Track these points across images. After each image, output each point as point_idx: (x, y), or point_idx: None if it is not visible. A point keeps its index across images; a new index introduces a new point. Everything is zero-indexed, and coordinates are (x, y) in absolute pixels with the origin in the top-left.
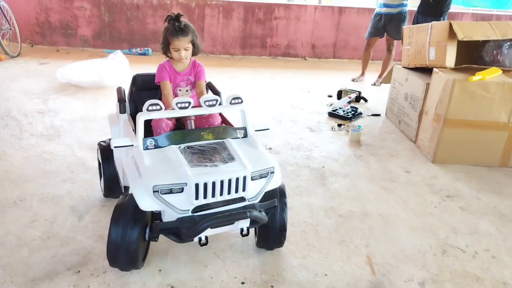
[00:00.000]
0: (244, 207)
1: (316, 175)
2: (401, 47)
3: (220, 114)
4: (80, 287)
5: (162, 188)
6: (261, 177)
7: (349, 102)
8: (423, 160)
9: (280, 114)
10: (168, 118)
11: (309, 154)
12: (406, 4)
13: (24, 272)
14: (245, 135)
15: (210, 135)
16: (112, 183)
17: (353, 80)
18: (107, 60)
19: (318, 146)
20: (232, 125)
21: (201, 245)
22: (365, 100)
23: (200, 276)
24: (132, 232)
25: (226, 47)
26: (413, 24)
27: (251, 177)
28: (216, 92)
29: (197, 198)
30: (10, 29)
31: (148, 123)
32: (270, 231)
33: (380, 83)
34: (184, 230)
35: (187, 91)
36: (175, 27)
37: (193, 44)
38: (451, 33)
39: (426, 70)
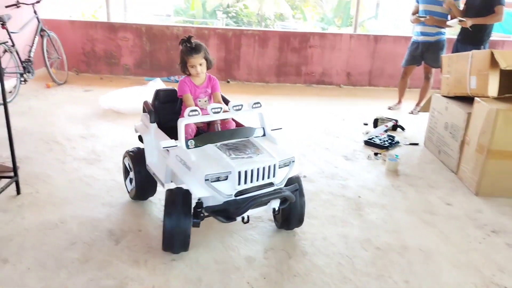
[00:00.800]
0: (274, 190)
1: (351, 205)
2: (440, 75)
3: (234, 120)
4: None
5: (212, 177)
6: (285, 165)
7: (386, 131)
8: (465, 192)
9: (314, 142)
10: (198, 125)
11: (345, 183)
12: (444, 33)
13: None
14: (264, 134)
15: (236, 135)
16: (143, 187)
17: (389, 108)
18: (146, 87)
19: (353, 175)
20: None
21: (244, 223)
22: (403, 129)
23: None
24: (184, 220)
25: (261, 75)
26: (452, 52)
27: (278, 165)
28: (226, 101)
29: (239, 183)
30: (58, 58)
31: (171, 129)
32: (293, 211)
33: (418, 111)
34: (232, 210)
35: (205, 101)
36: (188, 47)
37: (206, 59)
38: (493, 62)
39: (466, 99)
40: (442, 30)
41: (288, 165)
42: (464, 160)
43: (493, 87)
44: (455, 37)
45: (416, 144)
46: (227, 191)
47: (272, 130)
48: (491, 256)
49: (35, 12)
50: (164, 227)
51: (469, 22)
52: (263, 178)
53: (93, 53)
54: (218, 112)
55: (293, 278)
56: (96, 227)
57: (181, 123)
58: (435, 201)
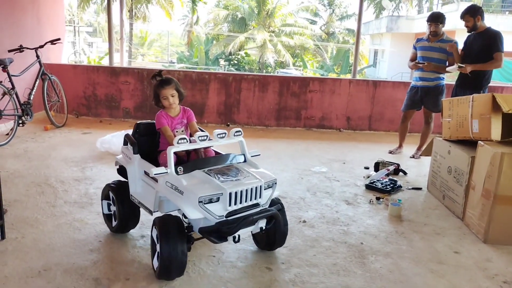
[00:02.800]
0: (261, 210)
1: (354, 253)
2: (441, 119)
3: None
4: None
5: (205, 198)
6: (268, 187)
7: (387, 175)
8: (473, 240)
9: (314, 186)
10: (180, 153)
11: (346, 229)
12: (443, 78)
13: None
14: (245, 160)
15: (219, 161)
16: (127, 218)
17: (390, 152)
18: None
19: (355, 220)
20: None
21: (235, 242)
22: (404, 173)
23: None
24: (181, 244)
25: (261, 118)
26: (451, 97)
27: (264, 187)
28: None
29: (230, 204)
30: (58, 101)
31: (150, 160)
32: (277, 230)
33: (420, 155)
34: (225, 229)
35: (182, 131)
36: (159, 80)
37: (178, 91)
38: (495, 105)
39: (469, 142)
40: (441, 75)
41: (271, 187)
42: (470, 206)
43: (496, 131)
44: (454, 83)
45: (419, 188)
46: (218, 212)
47: (252, 156)
48: None
49: (37, 56)
50: (160, 255)
51: (468, 68)
52: (250, 199)
53: (94, 97)
54: (204, 140)
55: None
56: (82, 276)
57: (171, 151)
58: (442, 249)
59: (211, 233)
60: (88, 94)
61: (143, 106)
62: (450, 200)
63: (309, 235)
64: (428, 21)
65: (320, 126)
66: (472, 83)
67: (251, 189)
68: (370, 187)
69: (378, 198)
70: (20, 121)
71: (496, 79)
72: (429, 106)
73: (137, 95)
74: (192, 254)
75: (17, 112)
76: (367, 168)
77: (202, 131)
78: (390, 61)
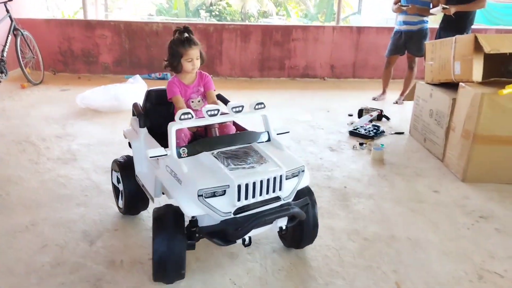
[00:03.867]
0: (281, 206)
1: (337, 196)
2: (424, 63)
3: (234, 123)
4: None
5: (206, 192)
6: (293, 176)
7: (371, 121)
8: (452, 179)
9: (299, 134)
10: (187, 129)
11: (330, 174)
12: (427, 21)
13: None
14: (269, 139)
15: (236, 140)
16: (133, 200)
17: (374, 99)
18: (125, 84)
19: (339, 166)
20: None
21: (245, 245)
22: (387, 118)
23: None
24: (178, 242)
25: (245, 70)
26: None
27: (286, 176)
28: (225, 102)
29: (239, 199)
30: (33, 57)
31: (164, 134)
32: (305, 228)
33: (403, 100)
34: (230, 231)
35: (199, 101)
36: (187, 38)
37: (201, 54)
38: (477, 47)
39: (451, 86)
40: (425, 18)
41: (297, 176)
42: (450, 147)
43: (477, 72)
44: (437, 26)
45: (402, 133)
46: (224, 208)
47: (278, 134)
48: (481, 242)
49: (7, 11)
50: (154, 253)
51: (452, 9)
52: (267, 192)
53: (70, 52)
54: (214, 115)
55: (278, 273)
56: (70, 229)
57: (172, 128)
58: (422, 189)
59: (213, 235)
60: (64, 50)
61: (123, 61)
62: (431, 143)
63: None
64: None
65: (304, 76)
66: (455, 25)
67: (268, 179)
68: (353, 133)
69: (361, 144)
70: None
71: (479, 22)
72: (412, 50)
73: (115, 49)
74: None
75: None
76: (350, 115)
77: (225, 102)
78: (375, 7)
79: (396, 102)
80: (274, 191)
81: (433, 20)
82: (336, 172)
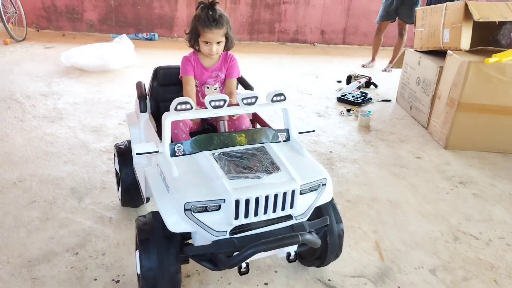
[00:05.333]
0: (292, 226)
1: (323, 160)
2: (414, 30)
3: (254, 114)
4: (78, 268)
5: (195, 206)
6: (311, 191)
7: (359, 88)
8: (435, 146)
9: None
10: (194, 122)
11: (317, 139)
12: None
13: (21, 253)
14: (288, 139)
15: (246, 138)
16: (131, 191)
17: (363, 66)
18: (112, 44)
19: (325, 131)
20: (269, 126)
21: (241, 274)
22: (375, 86)
23: None
24: (169, 255)
25: (234, 33)
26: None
27: (301, 191)
28: (248, 88)
29: (237, 217)
30: (16, 12)
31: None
32: (328, 250)
33: (391, 68)
34: (222, 256)
35: (215, 89)
36: (209, 17)
37: (227, 37)
38: (467, 14)
39: (439, 54)
40: None
41: (315, 190)
42: (434, 115)
43: (465, 40)
44: None
45: (389, 100)
46: (218, 226)
47: (300, 133)
48: (458, 206)
49: None
50: (142, 267)
51: None
52: (274, 210)
53: (53, 8)
54: (219, 107)
55: None
56: (58, 185)
57: (166, 120)
58: (405, 155)
59: (202, 257)
60: (47, 5)
61: (108, 19)
62: (416, 110)
63: None
64: None
65: (294, 40)
66: None
67: (276, 195)
68: (341, 99)
69: (348, 110)
70: None
71: None
72: (403, 17)
73: (100, 6)
74: None
75: None
76: (339, 81)
77: (246, 86)
78: None
79: (385, 70)
80: (283, 209)
81: None
82: (323, 137)
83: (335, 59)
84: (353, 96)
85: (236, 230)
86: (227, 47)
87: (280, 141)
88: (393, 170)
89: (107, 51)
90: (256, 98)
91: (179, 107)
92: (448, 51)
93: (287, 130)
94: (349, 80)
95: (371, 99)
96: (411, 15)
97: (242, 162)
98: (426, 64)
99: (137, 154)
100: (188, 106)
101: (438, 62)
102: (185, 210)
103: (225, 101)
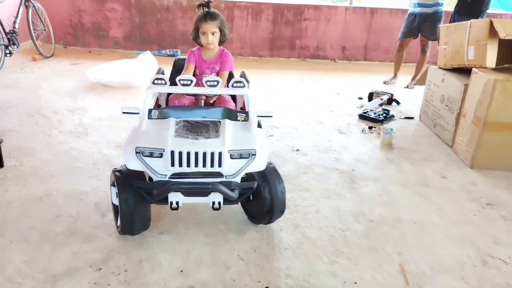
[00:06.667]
0: (221, 182)
1: (345, 178)
2: (437, 47)
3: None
4: (100, 284)
5: (143, 150)
6: (241, 157)
7: (381, 105)
8: (460, 165)
9: (308, 116)
10: (183, 98)
11: (338, 157)
12: (442, 4)
13: (45, 267)
14: (247, 119)
15: (209, 114)
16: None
17: (384, 83)
18: (136, 60)
19: (347, 148)
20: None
21: (172, 209)
22: (398, 103)
23: (222, 279)
24: (128, 188)
25: (255, 48)
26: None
27: (230, 155)
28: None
29: (172, 165)
30: (45, 29)
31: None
32: (274, 205)
33: (414, 85)
34: (156, 191)
35: None
36: (204, 12)
37: (221, 30)
38: (492, 32)
39: (464, 71)
40: (440, 1)
41: (246, 158)
42: (459, 133)
43: (491, 58)
44: (452, 10)
45: (412, 118)
46: (160, 170)
47: (258, 116)
48: (486, 228)
49: None
50: (121, 204)
51: None
52: (204, 165)
53: (80, 25)
54: (187, 85)
55: (284, 251)
56: (82, 200)
57: (147, 91)
58: (429, 174)
59: (143, 190)
60: (75, 23)
61: (133, 36)
62: (440, 128)
63: (302, 163)
64: None
65: (315, 57)
66: (470, 9)
67: (204, 153)
68: (363, 116)
69: (370, 127)
70: (7, 51)
71: (495, 7)
72: (426, 33)
73: (125, 23)
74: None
75: (3, 41)
76: (360, 98)
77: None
78: None
79: (407, 87)
80: (212, 165)
81: (448, 3)
82: (344, 155)
83: (356, 76)
84: (375, 113)
85: (175, 176)
86: (222, 40)
87: (239, 120)
88: (417, 189)
89: (131, 68)
90: (218, 82)
91: (156, 81)
92: (473, 69)
93: (246, 112)
94: (370, 96)
95: (393, 116)
96: (434, 32)
97: (193, 128)
98: (451, 82)
99: (123, 113)
100: (162, 82)
101: (463, 80)
102: (136, 152)
103: (191, 81)
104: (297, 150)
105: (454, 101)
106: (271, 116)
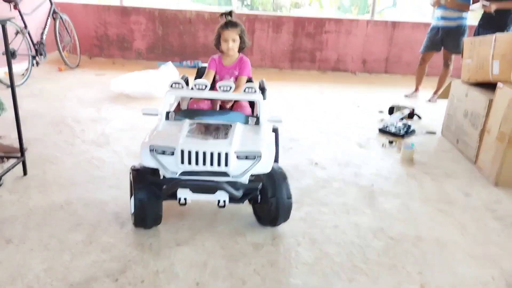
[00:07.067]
0: (227, 182)
1: (364, 194)
2: (461, 61)
3: (248, 105)
4: None
5: (156, 148)
6: (247, 158)
7: (402, 119)
8: (484, 183)
9: (327, 129)
10: (202, 103)
11: (358, 171)
12: (466, 17)
13: (64, 276)
14: (257, 123)
15: (222, 117)
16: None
17: (406, 96)
18: (158, 71)
19: (367, 163)
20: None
21: (180, 204)
22: (419, 117)
23: None
24: (155, 191)
25: (275, 61)
26: None
27: (237, 156)
28: (262, 89)
29: (182, 162)
30: (71, 41)
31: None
32: (274, 209)
33: (436, 99)
34: (166, 186)
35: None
36: (227, 20)
37: (241, 38)
38: None
39: (488, 86)
40: (464, 14)
41: (252, 159)
42: (483, 149)
43: None
44: (476, 23)
45: (433, 133)
46: (172, 167)
47: (269, 120)
48: (510, 249)
49: None
50: (136, 198)
51: (493, 6)
52: (212, 164)
53: (106, 37)
54: (201, 90)
55: (302, 266)
56: (102, 210)
57: (166, 94)
58: (452, 191)
59: (156, 185)
60: (100, 35)
61: (156, 48)
62: (463, 144)
63: (321, 176)
64: None
65: (335, 69)
66: (496, 23)
67: (212, 153)
68: (383, 131)
69: (391, 142)
70: (34, 61)
71: None
72: (449, 47)
73: (149, 35)
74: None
75: (31, 52)
76: (381, 112)
77: (262, 89)
78: (410, 0)
79: (430, 101)
80: (219, 165)
81: (472, 17)
82: (364, 169)
83: (377, 89)
84: (395, 128)
85: (185, 174)
86: (241, 47)
87: (250, 124)
88: (439, 206)
89: (153, 78)
90: (231, 87)
91: (173, 85)
92: (498, 84)
93: (257, 117)
94: (391, 111)
95: (414, 131)
96: (458, 45)
97: (206, 130)
98: (475, 97)
99: (143, 114)
100: (180, 86)
101: (488, 95)
102: (150, 150)
103: (206, 86)
104: (316, 163)
105: (478, 117)
106: (281, 121)
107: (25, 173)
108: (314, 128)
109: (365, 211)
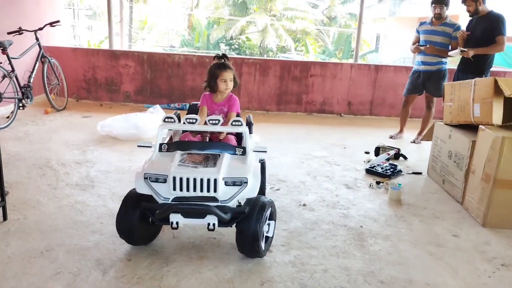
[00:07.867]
0: (216, 206)
1: (353, 236)
2: (442, 103)
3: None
4: None
5: (150, 176)
6: (234, 184)
7: (388, 159)
8: (472, 224)
9: (315, 170)
10: (193, 135)
11: (346, 213)
12: (446, 62)
13: None
14: (244, 153)
15: (211, 148)
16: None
17: (391, 137)
18: (145, 114)
19: (355, 204)
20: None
21: (172, 228)
22: (405, 158)
23: None
24: (134, 213)
25: (262, 103)
26: (453, 81)
27: (225, 182)
28: (248, 123)
29: (174, 189)
30: (58, 84)
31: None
32: (242, 236)
33: (420, 140)
34: (158, 211)
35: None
36: (224, 62)
37: (234, 78)
38: (497, 90)
39: (470, 127)
40: (443, 59)
41: (238, 185)
42: (469, 190)
43: (497, 115)
44: (456, 67)
45: (419, 173)
46: (164, 194)
47: (254, 151)
48: None
49: (37, 38)
50: (118, 213)
51: (471, 52)
52: (201, 190)
53: (94, 80)
54: (192, 123)
55: None
56: (84, 256)
57: (159, 128)
58: (441, 233)
59: (149, 211)
60: (88, 78)
61: (144, 90)
62: (449, 185)
63: (309, 218)
64: (433, 3)
65: (321, 111)
66: (474, 68)
67: (201, 179)
68: (370, 171)
69: (378, 182)
70: (21, 104)
71: (498, 64)
72: (431, 90)
73: (137, 78)
74: (194, 235)
75: (17, 95)
76: (367, 152)
77: (250, 125)
78: (392, 46)
79: (414, 142)
80: (208, 191)
81: (451, 61)
82: (352, 211)
83: (363, 130)
84: (382, 168)
85: (177, 200)
86: (235, 84)
87: (237, 154)
88: (429, 248)
89: (140, 121)
90: (219, 120)
91: (166, 120)
92: (480, 126)
93: (244, 148)
94: (377, 151)
95: (401, 171)
96: (439, 89)
97: (197, 159)
98: (458, 138)
99: (138, 146)
100: (172, 120)
101: (470, 136)
102: (144, 178)
103: (196, 119)
104: (304, 205)
105: (462, 158)
106: (266, 151)
107: (5, 218)
108: (301, 169)
109: (354, 254)
